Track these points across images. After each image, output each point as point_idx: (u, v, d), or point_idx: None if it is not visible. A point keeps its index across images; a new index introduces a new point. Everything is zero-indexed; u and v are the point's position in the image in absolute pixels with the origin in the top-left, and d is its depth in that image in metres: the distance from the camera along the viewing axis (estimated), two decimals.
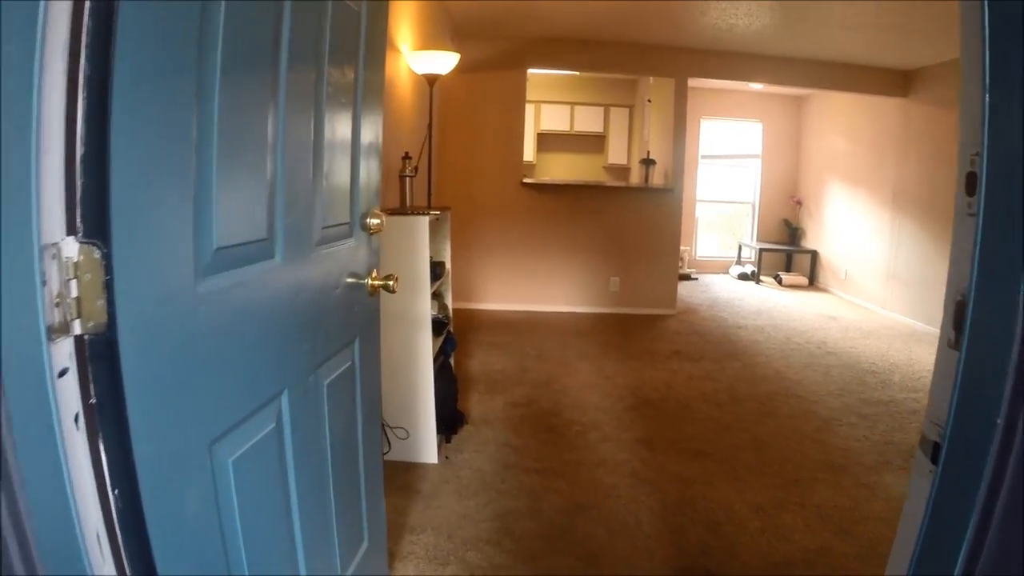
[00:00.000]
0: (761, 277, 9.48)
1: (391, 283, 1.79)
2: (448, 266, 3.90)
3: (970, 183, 0.98)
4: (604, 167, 10.29)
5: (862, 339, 6.34)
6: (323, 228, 1.51)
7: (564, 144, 10.21)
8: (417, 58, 4.41)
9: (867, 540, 2.81)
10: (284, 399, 1.34)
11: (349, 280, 1.68)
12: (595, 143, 10.30)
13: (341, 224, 1.63)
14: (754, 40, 6.06)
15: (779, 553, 2.69)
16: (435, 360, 3.47)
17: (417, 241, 3.12)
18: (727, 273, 10.12)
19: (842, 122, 8.78)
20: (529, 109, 9.00)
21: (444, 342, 3.76)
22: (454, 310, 3.96)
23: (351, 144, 1.66)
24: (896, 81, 7.16)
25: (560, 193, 7.04)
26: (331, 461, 1.61)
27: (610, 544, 2.71)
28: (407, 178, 3.71)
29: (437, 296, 3.83)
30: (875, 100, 7.59)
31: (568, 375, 4.94)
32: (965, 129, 1.00)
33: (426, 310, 3.22)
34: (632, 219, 7.05)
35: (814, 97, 9.48)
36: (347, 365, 1.72)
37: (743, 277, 9.68)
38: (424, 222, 3.13)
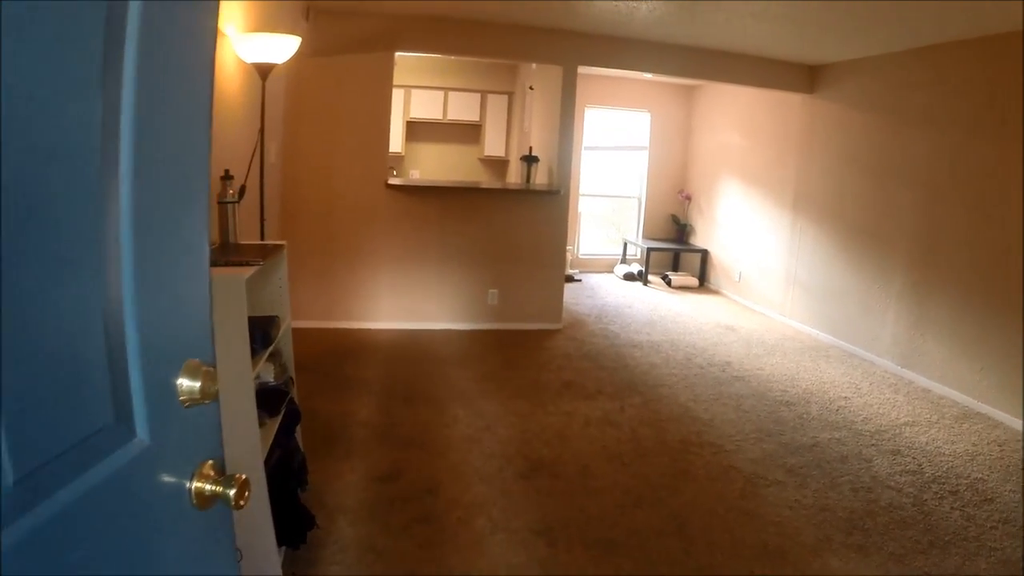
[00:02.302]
0: (649, 277, 8.92)
1: (232, 492, 0.93)
2: (288, 320, 2.93)
3: None
4: (480, 159, 9.47)
5: (767, 356, 5.84)
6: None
7: (436, 133, 9.28)
8: (245, 42, 3.34)
9: None
10: None
11: (153, 494, 0.85)
12: (470, 133, 9.44)
13: (81, 441, 0.74)
14: (655, 26, 5.33)
15: None
16: (269, 456, 2.54)
17: (231, 308, 2.11)
18: (612, 272, 9.51)
19: (737, 115, 8.27)
20: (397, 94, 8.02)
21: (283, 418, 2.82)
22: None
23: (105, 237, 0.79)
24: (801, 76, 6.67)
25: (431, 195, 6.08)
26: None
27: None
28: (230, 205, 2.74)
29: (275, 355, 2.89)
30: (775, 94, 7.10)
31: (443, 425, 4.10)
32: None
33: (250, 403, 2.24)
34: (513, 224, 6.20)
35: (706, 87, 8.96)
36: None
37: (629, 277, 9.09)
38: (239, 283, 2.09)
